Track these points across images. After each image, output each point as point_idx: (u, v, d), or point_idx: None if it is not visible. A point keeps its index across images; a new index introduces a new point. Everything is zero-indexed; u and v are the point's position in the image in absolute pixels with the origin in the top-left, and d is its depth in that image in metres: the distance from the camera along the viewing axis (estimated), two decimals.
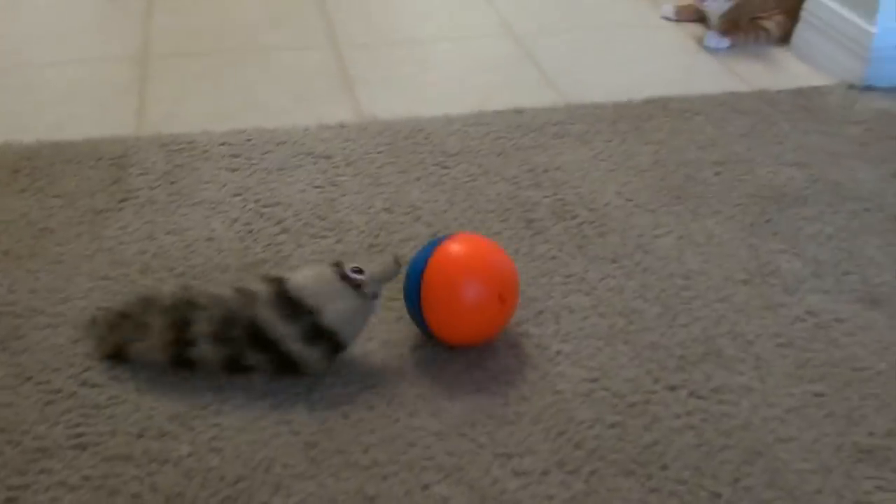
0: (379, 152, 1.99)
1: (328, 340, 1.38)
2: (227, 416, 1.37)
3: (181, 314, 1.41)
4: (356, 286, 1.39)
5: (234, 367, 1.41)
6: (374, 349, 1.48)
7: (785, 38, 2.56)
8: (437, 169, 1.94)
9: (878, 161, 2.02)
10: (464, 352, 1.47)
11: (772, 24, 2.56)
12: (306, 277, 1.39)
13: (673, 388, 1.42)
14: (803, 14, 2.50)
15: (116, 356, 1.45)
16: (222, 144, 2.02)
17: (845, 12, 2.35)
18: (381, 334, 1.51)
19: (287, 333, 1.37)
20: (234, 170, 1.93)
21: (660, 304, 1.59)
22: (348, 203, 1.83)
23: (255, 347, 1.38)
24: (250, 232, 1.75)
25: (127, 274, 1.64)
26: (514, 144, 2.04)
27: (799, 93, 2.28)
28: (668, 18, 2.73)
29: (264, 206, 1.82)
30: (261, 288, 1.39)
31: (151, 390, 1.41)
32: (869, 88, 2.31)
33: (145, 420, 1.37)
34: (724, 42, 2.54)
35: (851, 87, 2.32)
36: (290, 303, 1.37)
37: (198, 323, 1.39)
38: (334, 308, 1.37)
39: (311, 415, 1.37)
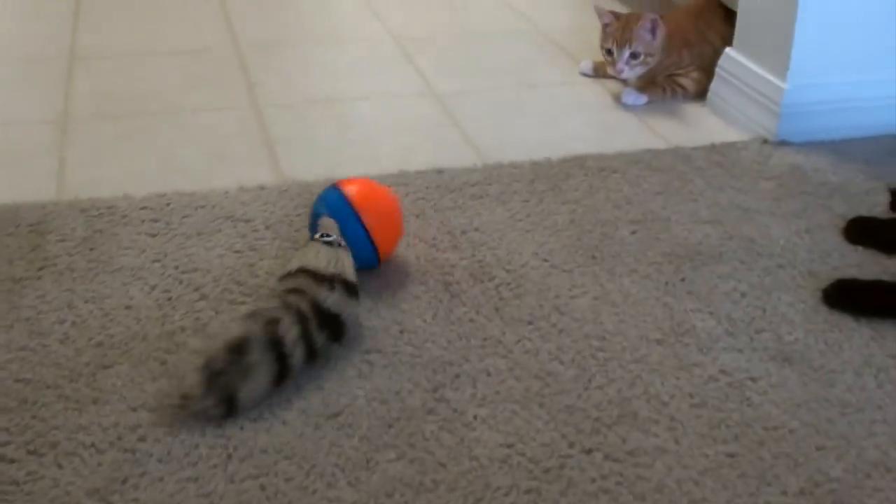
0: (298, 215, 2.01)
1: (352, 289, 1.65)
2: (146, 490, 1.37)
3: (271, 338, 1.51)
4: (339, 245, 1.69)
5: (312, 356, 1.57)
6: (291, 418, 1.49)
7: (701, 94, 2.61)
8: None
9: (790, 217, 2.06)
10: (381, 418, 1.48)
11: (688, 80, 2.61)
12: (317, 257, 1.66)
13: (588, 452, 1.45)
14: (718, 70, 2.55)
15: (227, 412, 1.49)
16: (142, 209, 2.02)
17: (758, 69, 2.41)
18: (298, 402, 1.52)
19: (338, 301, 1.61)
20: (153, 235, 1.94)
21: (575, 366, 1.61)
22: (267, 268, 1.84)
23: (322, 327, 1.57)
24: (169, 299, 1.75)
25: (46, 344, 1.64)
26: (434, 205, 2.06)
27: (714, 149, 2.33)
28: (586, 75, 2.77)
29: (183, 273, 1.83)
30: (301, 281, 1.62)
31: (70, 464, 1.41)
32: (782, 143, 2.36)
33: (64, 496, 1.36)
34: (642, 98, 2.58)
35: (765, 142, 2.37)
36: (326, 279, 1.62)
37: (287, 336, 1.53)
38: (347, 266, 1.67)
39: (228, 486, 1.38)
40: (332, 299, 1.60)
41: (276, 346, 1.51)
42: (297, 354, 1.53)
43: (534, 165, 2.23)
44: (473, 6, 3.29)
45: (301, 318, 1.55)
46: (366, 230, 1.77)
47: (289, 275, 1.65)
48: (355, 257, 1.73)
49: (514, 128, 2.43)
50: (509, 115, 2.50)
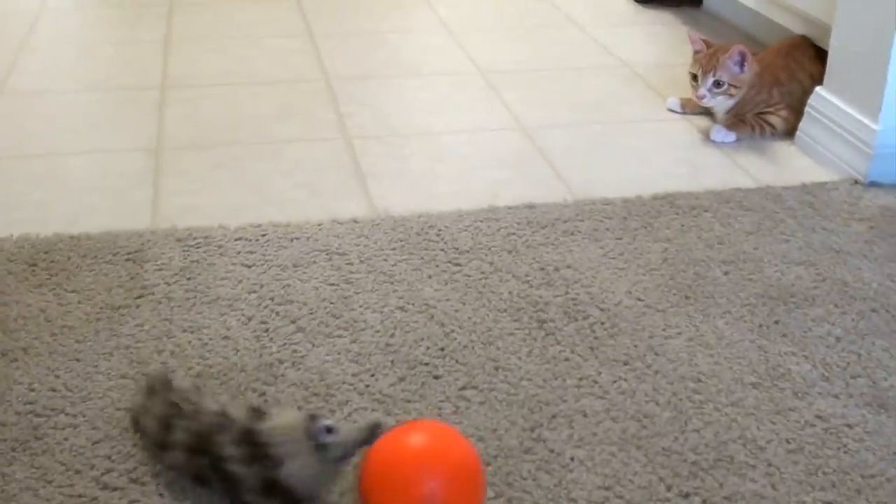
0: (392, 249, 2.02)
1: (284, 494, 1.34)
2: None
3: (167, 416, 1.43)
4: (323, 448, 1.35)
5: (203, 482, 1.41)
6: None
7: (790, 133, 2.60)
8: (449, 266, 1.97)
9: (883, 260, 2.04)
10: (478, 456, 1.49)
11: (777, 119, 2.60)
12: (276, 425, 1.35)
13: (686, 496, 1.44)
14: (808, 109, 2.54)
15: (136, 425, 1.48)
16: (238, 239, 2.05)
17: (850, 109, 2.39)
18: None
19: (245, 476, 1.34)
20: (249, 266, 1.96)
21: (671, 408, 1.61)
22: (362, 301, 1.86)
23: (217, 474, 1.37)
24: (266, 331, 1.77)
25: (146, 373, 1.66)
26: (525, 241, 2.07)
27: (804, 189, 2.32)
28: (673, 111, 2.77)
29: (279, 304, 1.85)
30: (240, 416, 1.38)
31: (172, 494, 1.43)
32: (873, 185, 2.34)
33: None
34: (730, 136, 2.58)
35: (856, 182, 2.35)
36: (255, 446, 1.34)
37: (176, 430, 1.41)
38: (294, 464, 1.33)
39: None
40: (241, 470, 1.35)
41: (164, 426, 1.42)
42: (175, 454, 1.41)
43: (625, 202, 2.23)
44: (559, 40, 3.30)
45: (200, 438, 1.39)
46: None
47: (251, 408, 1.42)
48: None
49: (603, 163, 2.44)
50: (598, 151, 2.51)
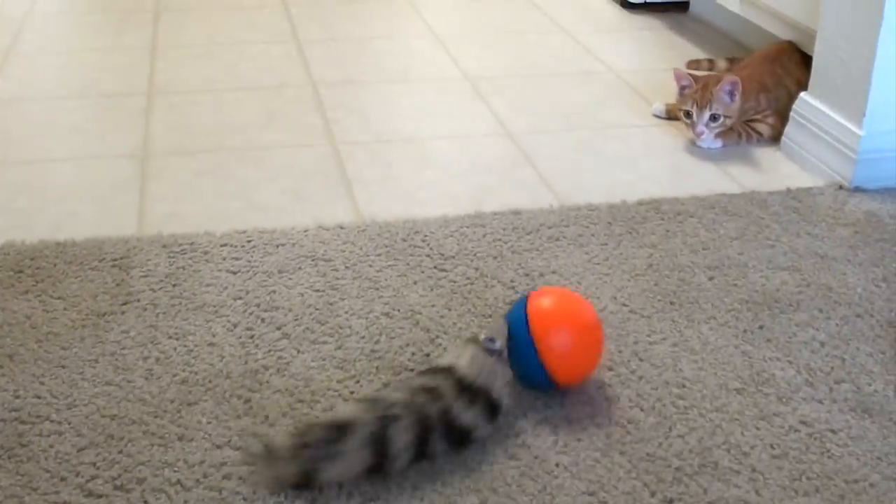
0: (377, 255, 2.03)
1: (495, 410, 1.54)
2: None
3: (378, 434, 1.43)
4: (500, 355, 1.56)
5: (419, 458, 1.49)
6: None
7: (776, 138, 2.61)
8: (434, 272, 1.98)
9: (867, 265, 2.05)
10: (463, 463, 1.49)
11: (764, 125, 2.61)
12: (471, 363, 1.54)
13: (670, 501, 1.45)
14: (793, 115, 2.55)
15: (303, 483, 1.44)
16: (223, 246, 2.05)
17: (834, 114, 2.40)
18: None
19: (474, 417, 1.50)
20: (234, 272, 1.96)
21: (656, 414, 1.62)
22: (348, 307, 1.86)
23: (446, 438, 1.49)
24: (251, 337, 1.78)
25: (131, 380, 1.66)
26: (511, 247, 2.07)
27: (789, 194, 2.33)
28: (659, 117, 2.78)
29: (265, 311, 1.85)
30: (440, 382, 1.50)
31: (157, 500, 1.43)
32: (858, 190, 2.35)
33: None
34: (717, 143, 2.58)
35: (840, 188, 2.36)
36: (469, 390, 1.51)
37: (397, 438, 1.44)
38: (499, 383, 1.54)
39: None
40: (467, 415, 1.50)
41: (379, 444, 1.43)
42: (401, 458, 1.45)
43: (610, 208, 2.24)
44: (545, 46, 3.31)
45: (422, 425, 1.46)
46: (539, 357, 1.59)
47: (434, 370, 1.54)
48: (527, 377, 1.63)
49: (589, 169, 2.44)
50: (584, 156, 2.51)
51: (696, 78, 2.59)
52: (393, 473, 1.46)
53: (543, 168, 2.45)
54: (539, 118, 2.74)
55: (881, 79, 2.29)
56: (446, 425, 1.48)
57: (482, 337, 1.57)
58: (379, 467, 1.45)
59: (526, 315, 1.60)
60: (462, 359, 1.54)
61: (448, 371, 1.52)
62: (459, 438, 1.50)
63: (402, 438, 1.44)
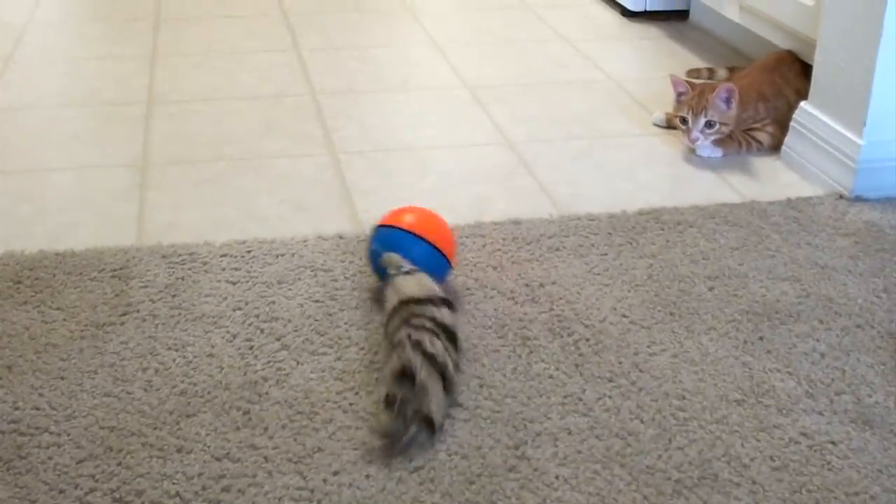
0: None
1: (451, 304, 1.74)
2: None
3: (424, 355, 1.59)
4: (415, 271, 1.77)
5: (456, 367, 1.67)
6: (374, 472, 1.50)
7: (776, 148, 2.61)
8: None
9: (868, 275, 2.05)
10: (462, 474, 1.49)
11: (764, 134, 2.61)
12: (413, 286, 1.73)
13: None
14: (793, 125, 2.55)
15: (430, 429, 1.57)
16: (223, 256, 2.05)
17: (834, 124, 2.40)
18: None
19: (449, 315, 1.70)
20: (234, 283, 1.96)
21: (656, 426, 1.61)
22: (347, 318, 1.86)
23: (448, 339, 1.66)
24: (251, 349, 1.77)
25: (130, 391, 1.66)
26: (511, 257, 2.07)
27: (789, 204, 2.33)
28: (659, 126, 2.78)
29: (264, 321, 1.85)
30: (408, 310, 1.68)
31: None
32: (858, 199, 2.35)
33: None
34: (717, 152, 2.58)
35: (841, 197, 2.36)
36: (430, 300, 1.71)
37: (438, 352, 1.61)
38: (433, 284, 1.76)
39: None
40: (442, 314, 1.68)
41: (433, 362, 1.58)
42: (449, 364, 1.61)
43: (610, 218, 2.23)
44: (545, 54, 3.31)
45: (434, 334, 1.63)
46: (431, 244, 1.87)
47: (394, 310, 1.70)
48: (432, 272, 1.81)
49: (589, 179, 2.44)
50: (584, 166, 2.51)
51: (692, 85, 2.60)
52: (456, 383, 1.66)
53: (543, 177, 2.44)
54: (539, 127, 2.74)
55: (881, 88, 2.29)
56: (442, 328, 1.65)
57: (392, 272, 1.77)
58: (447, 383, 1.61)
59: (398, 228, 1.87)
60: (401, 291, 1.71)
61: (403, 302, 1.69)
62: (453, 336, 1.67)
63: (437, 348, 1.61)
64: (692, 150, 2.59)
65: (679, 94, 2.60)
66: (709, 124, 2.51)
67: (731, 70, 3.05)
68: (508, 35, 3.52)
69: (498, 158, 2.55)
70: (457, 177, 2.44)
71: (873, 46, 2.26)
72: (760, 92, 2.64)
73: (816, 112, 2.47)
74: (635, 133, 2.73)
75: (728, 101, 2.52)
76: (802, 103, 2.53)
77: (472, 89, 3.01)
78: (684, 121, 2.55)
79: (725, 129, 2.54)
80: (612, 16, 3.76)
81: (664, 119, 2.77)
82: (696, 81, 2.73)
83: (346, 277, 1.99)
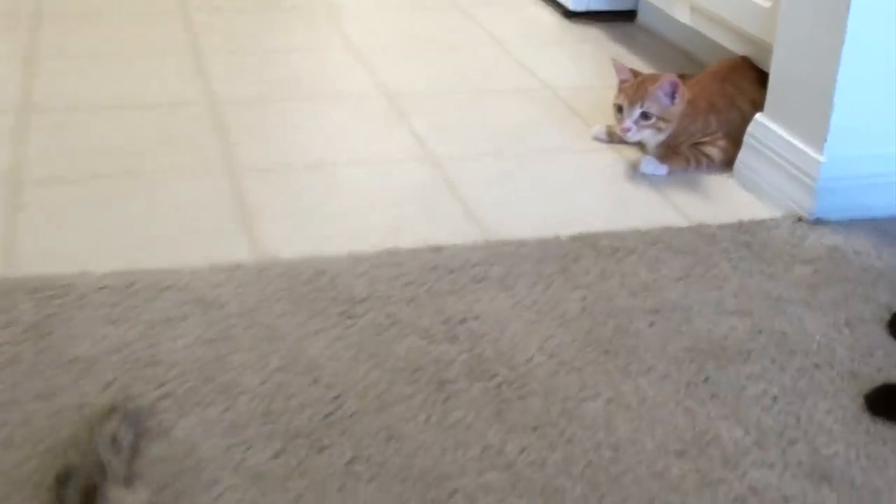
0: (277, 299, 1.99)
1: None
2: None
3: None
4: None
5: None
6: None
7: (728, 165, 2.60)
8: (341, 319, 1.94)
9: (828, 308, 2.04)
10: None
11: (715, 149, 2.60)
12: None
13: None
14: (747, 138, 2.54)
15: None
16: (101, 289, 2.00)
17: (792, 138, 2.39)
18: None
19: None
20: (112, 321, 1.91)
21: (585, 482, 1.58)
22: (240, 361, 1.82)
23: None
24: (128, 398, 1.72)
25: None
26: (429, 289, 2.04)
27: (741, 227, 2.32)
28: (599, 140, 2.76)
29: (145, 366, 1.80)
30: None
31: None
32: (819, 222, 2.34)
33: None
34: (662, 169, 2.57)
35: (799, 220, 2.35)
36: None
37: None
38: None
39: None
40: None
41: None
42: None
43: (541, 244, 2.21)
44: (477, 60, 3.30)
45: None
46: None
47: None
48: None
49: (520, 199, 2.42)
50: (514, 185, 2.49)
51: (636, 73, 2.59)
52: None
53: (469, 198, 2.42)
54: (466, 141, 2.72)
55: (844, 99, 2.28)
56: None
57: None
58: None
59: None
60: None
61: None
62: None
63: None
64: (635, 168, 2.58)
65: (621, 82, 2.60)
66: (644, 115, 2.51)
67: (681, 77, 3.04)
68: (436, 37, 3.50)
69: (419, 176, 2.52)
70: (372, 197, 2.41)
71: (835, 52, 2.25)
72: (711, 102, 2.64)
73: (773, 125, 2.46)
74: (573, 148, 2.71)
75: (671, 94, 2.51)
76: (757, 115, 2.52)
77: (392, 98, 2.98)
78: (620, 109, 2.55)
79: (664, 126, 2.53)
80: (551, 16, 3.75)
81: (605, 133, 2.76)
82: (642, 71, 2.72)
83: (240, 314, 1.94)
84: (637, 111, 2.52)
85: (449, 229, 2.29)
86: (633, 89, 2.55)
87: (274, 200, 2.39)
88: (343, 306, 1.98)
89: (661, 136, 2.57)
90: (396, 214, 2.35)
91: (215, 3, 3.80)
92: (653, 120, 2.52)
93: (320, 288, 2.03)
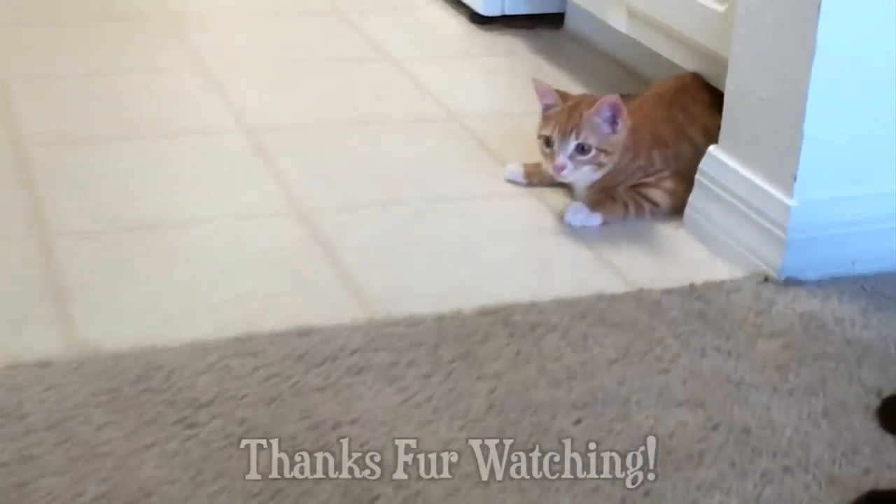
0: (97, 406, 1.97)
1: None
2: None
3: None
4: None
5: None
6: None
7: (677, 210, 2.61)
8: (179, 430, 1.93)
9: (800, 393, 2.06)
10: None
11: (660, 192, 2.62)
12: None
13: None
14: (699, 177, 2.55)
15: None
16: None
17: (754, 177, 2.41)
18: None
19: None
20: None
21: None
22: (47, 489, 1.80)
23: None
24: None
25: None
26: (294, 386, 2.04)
27: (693, 292, 2.34)
28: (515, 182, 2.77)
29: None
30: None
31: None
32: (790, 282, 2.37)
33: None
34: (594, 218, 2.58)
35: (766, 280, 2.38)
36: None
37: None
38: None
39: None
40: None
41: None
42: None
43: (439, 321, 2.22)
44: (363, 81, 3.32)
45: None
46: None
47: None
48: None
49: (413, 263, 2.44)
50: (407, 244, 2.51)
51: (564, 96, 2.60)
52: None
53: (348, 263, 2.43)
54: (345, 188, 2.73)
55: (816, 127, 2.30)
56: None
57: None
58: None
59: None
60: None
61: None
62: None
63: None
64: (561, 218, 2.59)
65: (546, 107, 2.61)
66: (582, 148, 2.52)
67: (623, 98, 3.07)
68: (308, 53, 3.52)
69: (285, 236, 2.53)
70: (221, 266, 2.42)
71: (804, 69, 2.26)
72: (655, 133, 2.66)
73: (729, 159, 2.48)
74: (482, 194, 2.73)
75: (612, 120, 2.53)
76: (711, 148, 2.54)
77: (251, 132, 2.99)
78: (549, 142, 2.55)
79: (605, 160, 2.54)
80: (457, 23, 3.78)
81: (522, 173, 2.78)
82: (570, 93, 2.73)
83: (48, 427, 1.92)
84: (571, 144, 2.53)
85: (321, 305, 2.29)
86: (565, 116, 2.55)
87: (97, 274, 2.38)
88: (182, 412, 1.96)
89: (600, 174, 2.57)
90: (254, 288, 2.35)
91: (25, 12, 3.79)
92: (592, 153, 2.53)
93: (153, 389, 2.02)
